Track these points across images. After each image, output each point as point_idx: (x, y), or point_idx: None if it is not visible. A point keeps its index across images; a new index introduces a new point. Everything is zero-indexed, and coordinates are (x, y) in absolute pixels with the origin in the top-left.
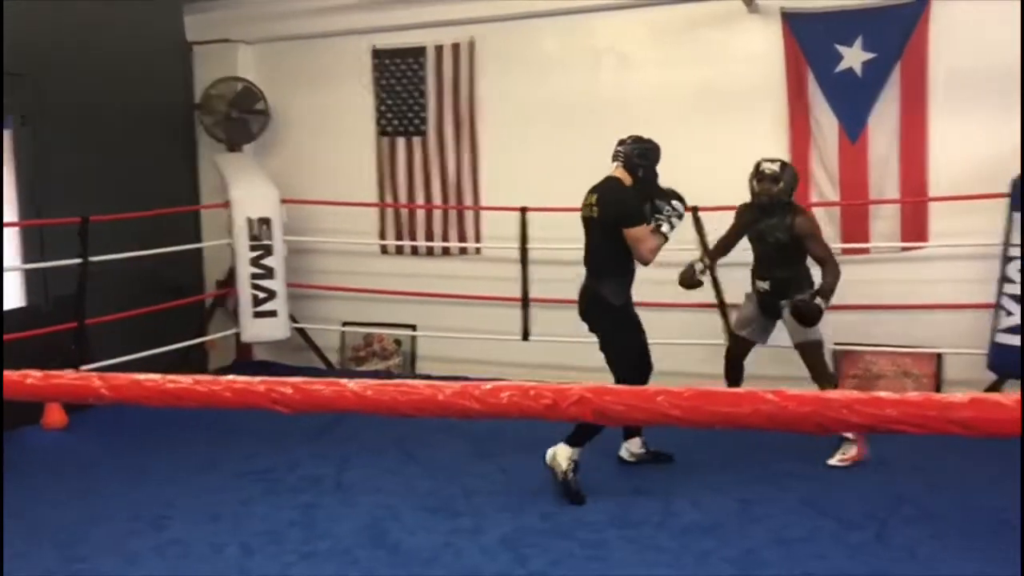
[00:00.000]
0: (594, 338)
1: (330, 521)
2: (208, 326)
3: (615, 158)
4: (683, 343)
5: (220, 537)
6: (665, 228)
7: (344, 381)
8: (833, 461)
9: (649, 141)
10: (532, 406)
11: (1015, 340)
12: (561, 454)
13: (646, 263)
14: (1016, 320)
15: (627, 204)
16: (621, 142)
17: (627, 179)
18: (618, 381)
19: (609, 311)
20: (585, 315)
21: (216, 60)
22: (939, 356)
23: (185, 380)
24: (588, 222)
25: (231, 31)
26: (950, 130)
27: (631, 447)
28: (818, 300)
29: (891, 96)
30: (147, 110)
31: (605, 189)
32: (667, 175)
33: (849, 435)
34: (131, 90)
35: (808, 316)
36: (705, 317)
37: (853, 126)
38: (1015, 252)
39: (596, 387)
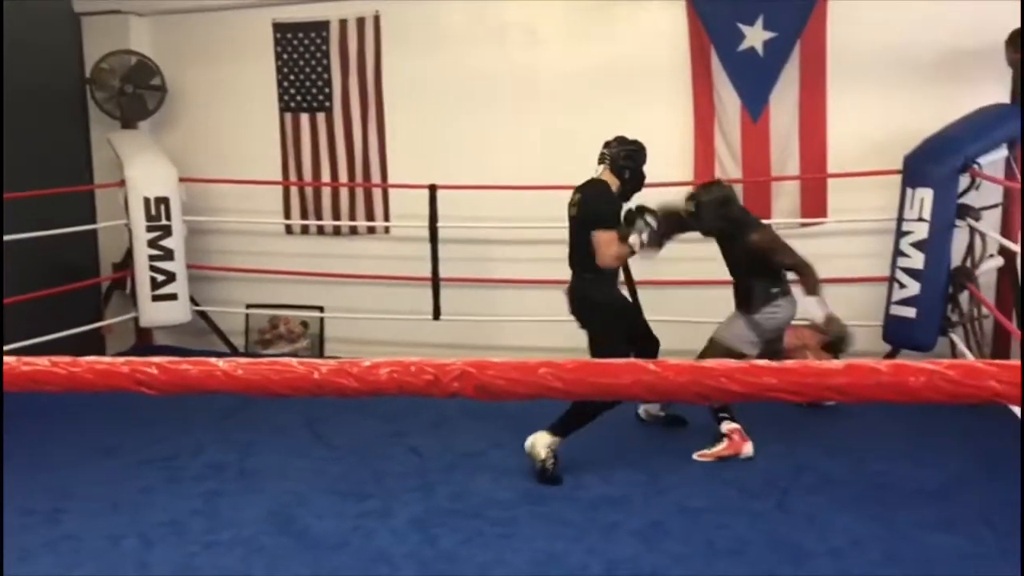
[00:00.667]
0: (504, 316)
1: (234, 509)
2: (105, 310)
3: (601, 160)
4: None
5: (118, 529)
6: (633, 239)
7: (214, 360)
8: (697, 455)
9: (634, 143)
10: (413, 383)
11: (909, 312)
12: (540, 442)
13: (605, 267)
14: (910, 292)
15: (601, 207)
16: (606, 144)
17: (614, 182)
18: None
19: (595, 309)
20: (574, 313)
21: (107, 32)
22: None
23: (42, 362)
24: (571, 221)
25: (122, 2)
26: (847, 108)
27: (650, 408)
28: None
29: (791, 75)
30: (35, 85)
31: (589, 190)
32: (571, 151)
33: (725, 430)
34: (17, 64)
35: (841, 343)
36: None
37: (755, 105)
38: (908, 227)
39: (478, 361)
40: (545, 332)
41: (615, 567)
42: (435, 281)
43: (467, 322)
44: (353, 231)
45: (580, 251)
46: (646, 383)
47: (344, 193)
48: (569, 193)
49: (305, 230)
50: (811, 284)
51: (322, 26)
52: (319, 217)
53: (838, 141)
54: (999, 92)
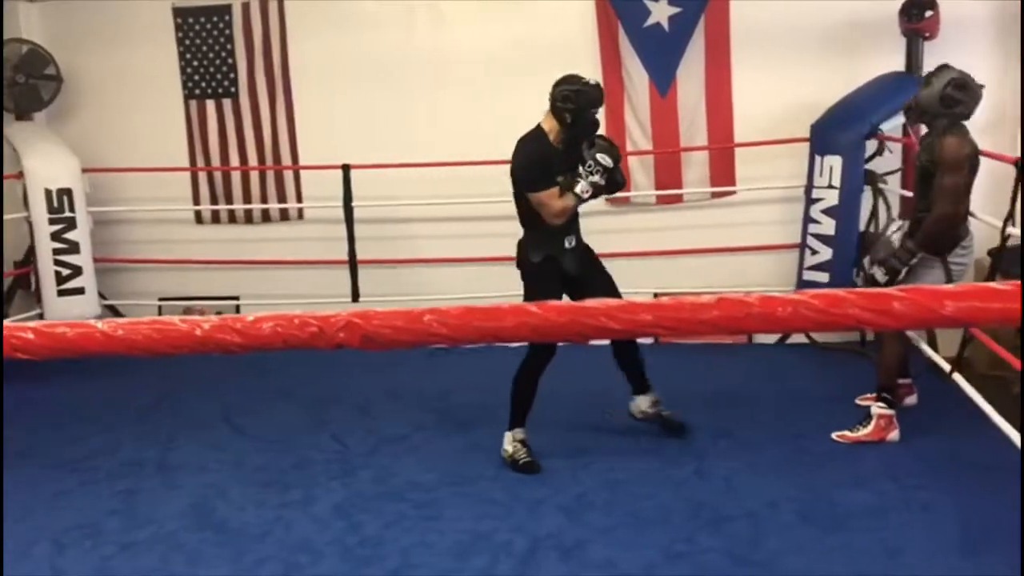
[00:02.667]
0: (424, 295)
1: (153, 506)
2: (8, 309)
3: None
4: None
5: (30, 535)
6: (580, 188)
7: (93, 321)
8: (836, 435)
9: (577, 80)
10: (297, 335)
11: (822, 277)
12: (505, 440)
13: (553, 224)
14: (822, 258)
15: (524, 166)
16: (554, 83)
17: (553, 128)
18: None
19: (525, 265)
20: (517, 266)
21: None
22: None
23: None
24: None
25: None
26: (753, 80)
27: (641, 404)
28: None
29: (697, 49)
30: None
31: (517, 143)
32: (483, 131)
33: (874, 412)
34: None
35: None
36: None
37: (662, 80)
38: (818, 194)
39: (363, 312)
40: None
41: (541, 542)
42: (352, 263)
43: (387, 302)
44: (266, 216)
45: (518, 206)
46: (530, 325)
47: (255, 178)
48: (482, 169)
49: (216, 217)
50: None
51: (224, 10)
52: (230, 203)
53: (745, 112)
54: (895, 61)
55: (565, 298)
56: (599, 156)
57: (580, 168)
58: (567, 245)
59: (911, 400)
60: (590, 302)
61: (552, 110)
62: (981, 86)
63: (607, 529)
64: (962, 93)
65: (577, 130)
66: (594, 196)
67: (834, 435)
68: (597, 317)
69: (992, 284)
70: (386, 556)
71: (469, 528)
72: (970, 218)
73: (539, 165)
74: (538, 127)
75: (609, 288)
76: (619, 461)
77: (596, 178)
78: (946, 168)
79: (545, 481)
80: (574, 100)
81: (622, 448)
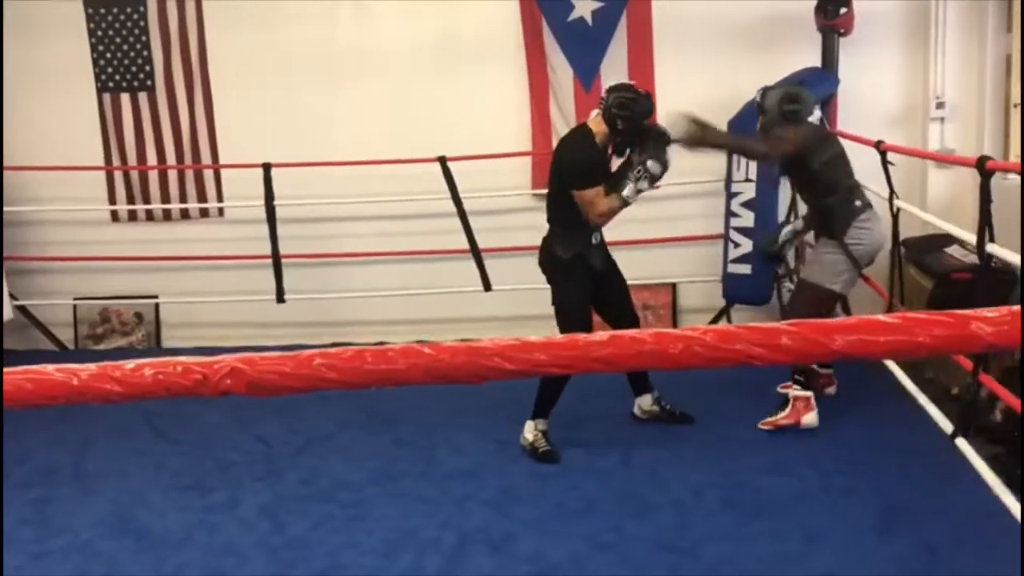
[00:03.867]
0: (350, 292)
1: (68, 514)
2: None
3: (599, 105)
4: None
5: None
6: (627, 191)
7: None
8: (761, 424)
9: (632, 90)
10: (181, 383)
11: (744, 269)
12: (527, 428)
13: (595, 225)
14: (743, 250)
15: (576, 163)
16: (609, 89)
17: (601, 131)
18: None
19: (554, 263)
20: (540, 265)
21: None
22: (674, 286)
23: None
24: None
25: None
26: (674, 74)
27: (642, 403)
28: None
29: (620, 43)
30: None
31: (564, 140)
32: (407, 127)
33: (792, 396)
34: None
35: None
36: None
37: (587, 74)
38: (737, 188)
39: (247, 357)
40: (393, 306)
41: (469, 537)
42: (276, 260)
43: (313, 300)
44: (185, 215)
45: (552, 202)
46: (423, 367)
47: (173, 176)
48: (405, 167)
49: (133, 216)
50: None
51: (138, 1)
52: (147, 202)
53: (667, 107)
54: (811, 57)
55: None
56: (649, 163)
57: (628, 172)
58: (594, 241)
59: (831, 390)
60: (484, 343)
61: (604, 115)
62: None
63: (535, 521)
64: (796, 104)
65: (626, 137)
66: (624, 206)
67: (760, 424)
68: (491, 358)
69: (880, 317)
70: (313, 557)
71: (396, 526)
72: (874, 201)
73: (588, 164)
74: (585, 127)
75: (624, 286)
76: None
77: (643, 183)
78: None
79: (472, 476)
80: (630, 108)
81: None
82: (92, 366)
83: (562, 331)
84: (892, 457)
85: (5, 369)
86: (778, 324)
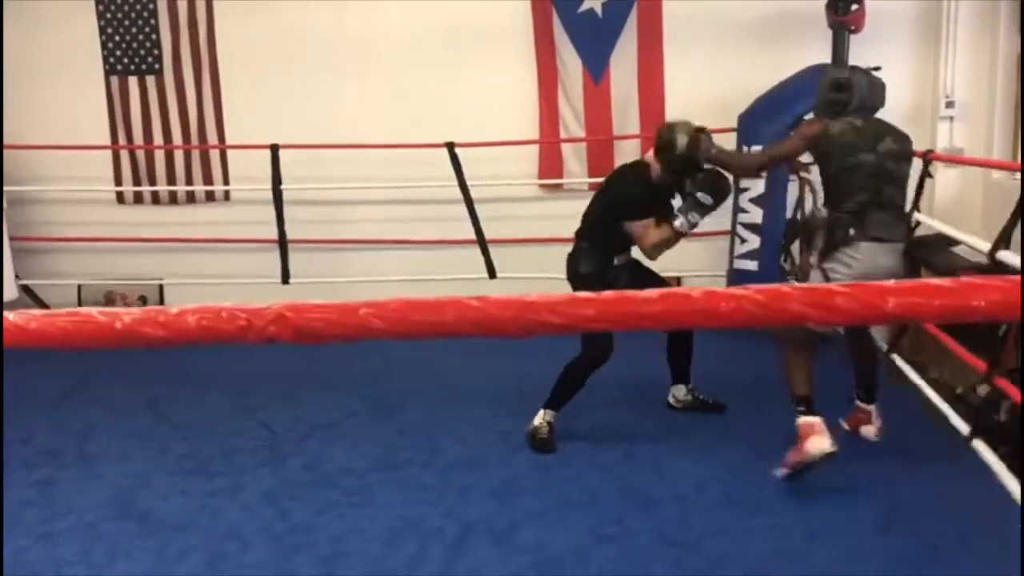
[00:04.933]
0: (355, 277)
1: (71, 496)
2: None
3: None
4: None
5: None
6: (678, 223)
7: (7, 313)
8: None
9: (685, 127)
10: (226, 328)
11: (751, 265)
12: (537, 416)
13: (649, 256)
14: (750, 246)
15: (626, 196)
16: (664, 126)
17: (656, 165)
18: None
19: (575, 277)
20: (567, 279)
21: None
22: (678, 280)
23: None
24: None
25: None
26: (684, 69)
27: (676, 393)
28: None
29: (630, 36)
30: None
31: (619, 172)
32: (415, 113)
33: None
34: None
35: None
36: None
37: (596, 66)
38: (745, 183)
39: (295, 304)
40: (398, 292)
41: (472, 527)
42: (282, 244)
43: (318, 284)
44: (191, 197)
45: (587, 217)
46: (471, 319)
47: (179, 157)
48: (414, 153)
49: (139, 198)
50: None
51: None
52: (153, 184)
53: (676, 101)
54: (821, 53)
55: None
56: (700, 195)
57: (682, 204)
58: (616, 262)
59: (869, 431)
60: (534, 296)
61: (656, 154)
62: (874, 69)
63: (537, 513)
64: (842, 92)
65: (678, 177)
66: (679, 238)
67: (776, 473)
68: (540, 312)
69: (934, 280)
70: (316, 543)
71: (400, 514)
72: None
73: (642, 198)
74: (643, 161)
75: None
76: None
77: (695, 215)
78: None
79: (475, 466)
80: (672, 144)
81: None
82: (136, 310)
83: (583, 347)
84: (896, 454)
85: (63, 310)
86: (832, 285)
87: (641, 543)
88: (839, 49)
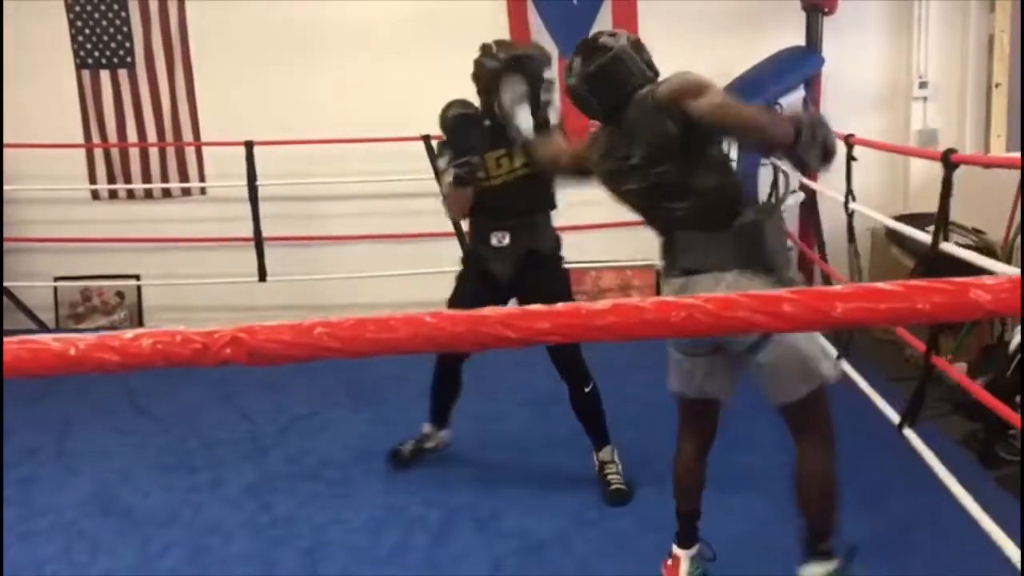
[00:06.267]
0: (334, 274)
1: (50, 494)
2: None
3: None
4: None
5: None
6: (448, 178)
7: None
8: None
9: (501, 46)
10: (180, 352)
11: None
12: (603, 457)
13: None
14: None
15: (441, 142)
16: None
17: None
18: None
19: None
20: None
21: None
22: (658, 271)
23: None
24: None
25: None
26: (658, 53)
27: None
28: None
29: (605, 21)
30: None
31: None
32: (391, 102)
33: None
34: None
35: None
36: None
37: (571, 52)
38: None
39: (248, 327)
40: (377, 287)
41: (455, 514)
42: (258, 241)
43: (296, 282)
44: (166, 194)
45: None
46: (424, 335)
47: (154, 154)
48: (388, 145)
49: (114, 195)
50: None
51: None
52: (128, 180)
53: None
54: (795, 36)
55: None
56: (447, 151)
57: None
58: (494, 242)
59: None
60: (487, 311)
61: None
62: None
63: (520, 499)
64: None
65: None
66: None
67: None
68: (493, 326)
69: (880, 284)
70: (300, 535)
71: (383, 503)
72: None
73: (452, 136)
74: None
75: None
76: (528, 431)
77: (458, 169)
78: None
79: (456, 454)
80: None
81: (526, 420)
82: (90, 336)
83: (580, 380)
84: (862, 440)
85: (16, 338)
86: (780, 291)
87: (623, 526)
88: (813, 31)
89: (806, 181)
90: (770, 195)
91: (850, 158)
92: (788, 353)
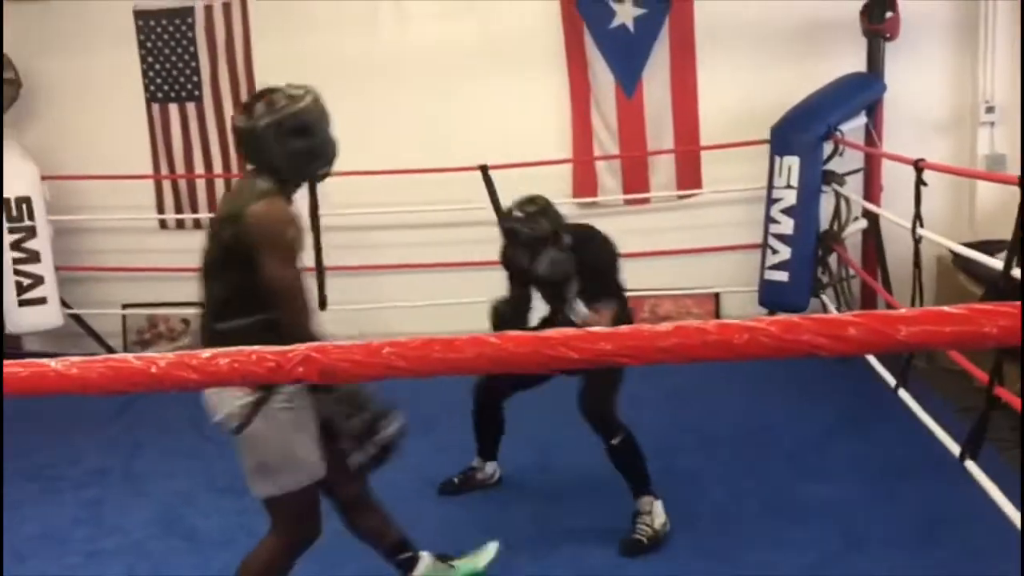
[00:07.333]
0: (392, 302)
1: (118, 515)
2: None
3: None
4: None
5: None
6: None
7: (48, 361)
8: None
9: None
10: (256, 371)
11: (782, 276)
12: (655, 510)
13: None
14: (781, 257)
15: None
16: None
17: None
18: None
19: None
20: None
21: None
22: (717, 295)
23: None
24: None
25: None
26: (716, 81)
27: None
28: None
29: (662, 50)
30: None
31: (592, 233)
32: (449, 133)
33: None
34: None
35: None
36: None
37: (628, 81)
38: (777, 194)
39: (320, 346)
40: (435, 316)
41: (514, 542)
42: (319, 271)
43: (355, 311)
44: None
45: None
46: (489, 356)
47: (220, 185)
48: (448, 176)
49: (181, 224)
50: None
51: (186, 12)
52: (194, 211)
53: (709, 114)
54: (856, 62)
55: None
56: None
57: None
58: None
59: None
60: (551, 333)
61: None
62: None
63: (577, 528)
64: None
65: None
66: None
67: None
68: (557, 347)
69: (945, 308)
70: (354, 558)
71: (439, 530)
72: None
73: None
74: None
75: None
76: (589, 460)
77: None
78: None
79: (514, 482)
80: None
81: (595, 445)
82: (170, 355)
83: (613, 430)
84: (936, 466)
85: (90, 357)
86: (844, 315)
87: (681, 556)
88: (874, 57)
89: (870, 207)
90: (832, 223)
91: (919, 183)
92: (252, 447)
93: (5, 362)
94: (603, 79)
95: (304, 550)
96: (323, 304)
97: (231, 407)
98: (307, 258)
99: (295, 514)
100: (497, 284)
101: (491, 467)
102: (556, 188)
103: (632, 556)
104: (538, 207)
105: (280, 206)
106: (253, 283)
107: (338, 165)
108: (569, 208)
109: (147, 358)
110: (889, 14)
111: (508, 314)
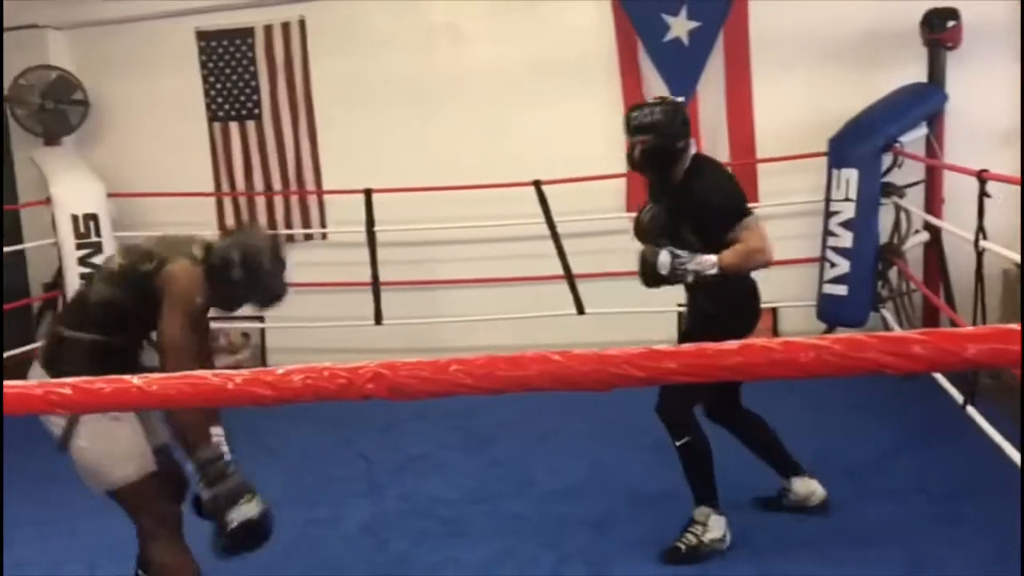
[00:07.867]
0: (447, 317)
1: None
2: (37, 332)
3: None
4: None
5: (60, 554)
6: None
7: (128, 377)
8: None
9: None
10: (327, 387)
11: (840, 290)
12: (711, 523)
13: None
14: (840, 271)
15: (734, 192)
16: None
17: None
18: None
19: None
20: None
21: (24, 47)
22: (774, 310)
23: None
24: None
25: (38, 15)
26: (772, 94)
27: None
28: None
29: (717, 63)
30: None
31: (711, 168)
32: (503, 149)
33: None
34: None
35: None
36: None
37: (683, 94)
38: (835, 207)
39: (389, 363)
40: (490, 330)
41: (568, 557)
42: (375, 285)
43: (411, 325)
44: (290, 239)
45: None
46: (552, 373)
47: (279, 201)
48: (501, 192)
49: None
50: None
51: (247, 33)
52: None
53: (765, 126)
54: (917, 72)
55: None
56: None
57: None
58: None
59: None
60: (614, 351)
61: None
62: None
63: (633, 545)
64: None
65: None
66: None
67: None
68: (620, 365)
69: (1014, 326)
70: (414, 574)
71: (495, 545)
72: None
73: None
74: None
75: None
76: (645, 476)
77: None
78: None
79: (568, 497)
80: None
81: (644, 464)
82: (245, 371)
83: (685, 444)
84: (1005, 486)
85: (170, 374)
86: (910, 332)
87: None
88: (936, 67)
89: (931, 219)
90: (892, 236)
91: (983, 194)
92: (78, 457)
93: (92, 380)
94: (657, 92)
95: (178, 528)
96: (379, 318)
97: (56, 430)
98: (364, 273)
99: (140, 499)
100: (549, 298)
101: (797, 483)
102: (611, 202)
103: (667, 562)
104: (667, 104)
105: (197, 274)
106: (134, 313)
107: (396, 182)
108: (623, 223)
109: (224, 375)
110: (951, 23)
111: (646, 223)
